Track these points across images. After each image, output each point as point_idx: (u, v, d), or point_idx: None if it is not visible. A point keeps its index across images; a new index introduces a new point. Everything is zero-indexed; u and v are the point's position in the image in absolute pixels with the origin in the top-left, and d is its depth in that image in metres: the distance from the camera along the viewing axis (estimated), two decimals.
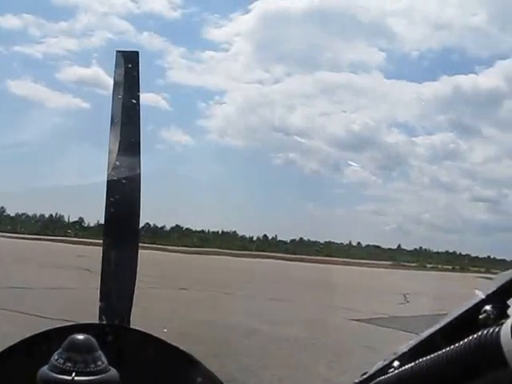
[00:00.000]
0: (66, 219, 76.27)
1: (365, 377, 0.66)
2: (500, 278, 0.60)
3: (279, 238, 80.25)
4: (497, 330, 0.52)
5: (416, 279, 31.88)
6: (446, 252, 78.85)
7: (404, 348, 0.63)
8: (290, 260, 45.40)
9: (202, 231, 76.87)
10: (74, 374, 0.69)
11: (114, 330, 0.97)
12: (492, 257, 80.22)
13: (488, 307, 0.58)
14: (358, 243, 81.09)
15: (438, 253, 78.35)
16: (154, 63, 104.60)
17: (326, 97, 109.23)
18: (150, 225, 76.36)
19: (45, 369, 0.72)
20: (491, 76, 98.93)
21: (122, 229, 1.13)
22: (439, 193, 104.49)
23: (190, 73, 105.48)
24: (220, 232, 79.34)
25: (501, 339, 0.50)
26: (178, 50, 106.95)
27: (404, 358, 0.61)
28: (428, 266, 58.72)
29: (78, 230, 71.83)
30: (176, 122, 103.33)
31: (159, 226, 77.49)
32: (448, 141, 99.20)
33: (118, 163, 1.15)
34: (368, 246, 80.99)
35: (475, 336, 0.53)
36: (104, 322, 1.02)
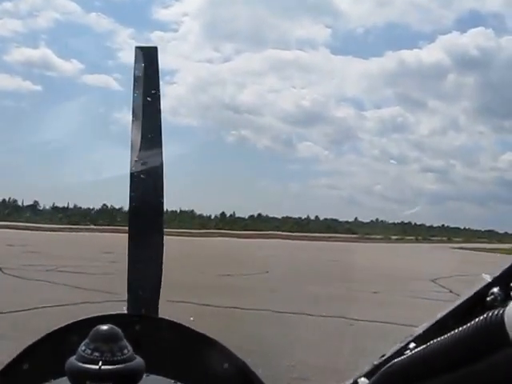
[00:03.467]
0: (20, 203, 69.33)
1: (383, 358, 0.63)
2: (507, 261, 0.59)
3: (237, 215, 75.21)
4: (501, 311, 0.51)
5: (412, 255, 26.03)
6: (402, 222, 76.08)
7: (419, 330, 0.62)
8: (260, 238, 39.12)
9: None
10: (100, 363, 0.67)
11: (140, 319, 0.94)
12: (446, 225, 78.65)
13: (495, 289, 0.57)
14: (316, 217, 77.40)
15: (394, 224, 75.46)
16: (103, 44, 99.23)
17: (275, 74, 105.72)
18: (107, 206, 71.96)
19: (72, 359, 0.69)
20: (434, 50, 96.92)
21: (146, 220, 1.08)
22: (389, 165, 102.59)
23: None
24: (178, 211, 74.00)
25: (505, 320, 0.50)
26: (127, 31, 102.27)
27: (419, 340, 0.61)
28: (393, 237, 53.59)
29: (31, 214, 65.37)
30: (128, 102, 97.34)
31: (117, 207, 72.39)
32: (396, 114, 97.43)
33: (140, 156, 1.10)
34: (326, 219, 77.33)
35: (481, 318, 0.53)
36: (130, 313, 0.98)
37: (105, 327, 0.71)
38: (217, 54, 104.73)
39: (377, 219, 77.32)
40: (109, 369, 0.67)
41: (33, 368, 0.89)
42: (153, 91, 1.19)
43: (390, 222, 76.74)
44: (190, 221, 66.97)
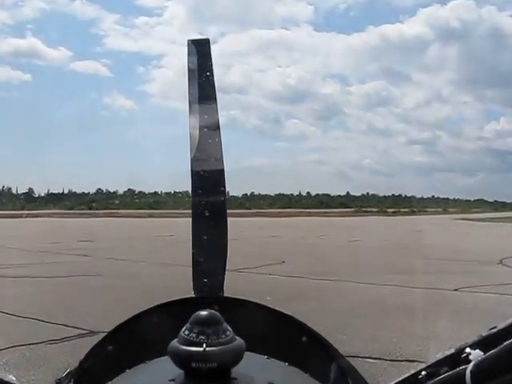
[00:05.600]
0: (15, 191, 66.09)
1: (495, 330, 0.52)
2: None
3: (231, 194, 71.62)
4: (465, 368, 0.49)
5: (432, 229, 21.99)
6: (393, 195, 72.82)
7: None
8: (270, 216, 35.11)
9: (155, 193, 69.74)
10: (204, 345, 0.65)
11: (221, 300, 0.91)
12: (436, 196, 75.42)
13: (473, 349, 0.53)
14: (308, 193, 73.75)
15: (385, 196, 72.16)
16: (89, 31, 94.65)
17: (260, 53, 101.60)
18: (102, 190, 69.03)
19: (175, 342, 0.67)
20: (415, 24, 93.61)
21: (209, 204, 1.03)
22: (376, 138, 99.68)
23: (127, 39, 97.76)
24: (172, 192, 70.91)
25: (466, 378, 0.48)
26: (112, 17, 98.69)
27: None
28: (389, 210, 49.80)
29: (26, 201, 62.55)
30: (118, 87, 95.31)
31: (112, 190, 69.33)
32: (381, 88, 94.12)
33: (200, 152, 1.06)
34: (317, 195, 73.56)
35: (447, 374, 0.52)
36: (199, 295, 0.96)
37: (205, 312, 0.69)
38: (202, 37, 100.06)
39: (368, 193, 74.02)
40: (213, 350, 0.65)
41: (118, 350, 0.85)
42: (208, 83, 1.15)
43: (381, 194, 73.52)
44: (185, 202, 64.30)
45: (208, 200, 1.02)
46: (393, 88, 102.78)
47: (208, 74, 1.16)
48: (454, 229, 25.15)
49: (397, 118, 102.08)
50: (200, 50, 1.20)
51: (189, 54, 1.19)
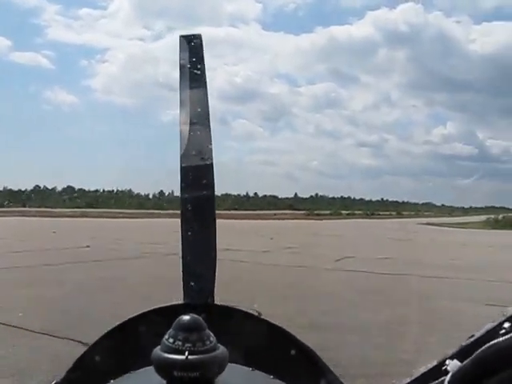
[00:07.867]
0: None
1: (472, 339, 0.53)
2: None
3: (176, 194, 66.27)
4: (443, 380, 0.50)
5: (417, 239, 17.65)
6: (341, 197, 69.60)
7: None
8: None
9: (96, 191, 64.44)
10: (187, 353, 0.60)
11: (206, 307, 0.87)
12: (385, 199, 72.68)
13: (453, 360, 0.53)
14: (255, 194, 69.42)
15: (333, 198, 68.79)
16: (30, 21, 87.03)
17: (207, 51, 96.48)
18: (39, 187, 62.93)
19: (158, 350, 0.62)
20: (364, 26, 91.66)
21: (198, 207, 0.98)
22: (325, 140, 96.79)
23: (69, 31, 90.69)
24: (114, 191, 65.59)
25: None
26: (53, 7, 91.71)
27: None
28: (344, 212, 45.91)
29: None
30: (59, 81, 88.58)
31: (50, 187, 63.32)
32: (329, 90, 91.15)
33: (189, 148, 1.02)
34: (265, 196, 69.32)
35: None
36: (188, 302, 0.92)
37: (188, 317, 0.64)
38: (148, 31, 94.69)
39: (316, 194, 70.41)
40: (196, 358, 0.60)
41: (105, 360, 0.82)
42: (199, 80, 1.11)
43: (330, 196, 70.15)
44: (127, 200, 59.65)
45: (197, 196, 0.98)
46: (341, 90, 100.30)
47: (200, 70, 1.12)
48: (436, 237, 21.09)
49: (345, 120, 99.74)
50: (192, 46, 1.16)
51: (180, 51, 1.15)
